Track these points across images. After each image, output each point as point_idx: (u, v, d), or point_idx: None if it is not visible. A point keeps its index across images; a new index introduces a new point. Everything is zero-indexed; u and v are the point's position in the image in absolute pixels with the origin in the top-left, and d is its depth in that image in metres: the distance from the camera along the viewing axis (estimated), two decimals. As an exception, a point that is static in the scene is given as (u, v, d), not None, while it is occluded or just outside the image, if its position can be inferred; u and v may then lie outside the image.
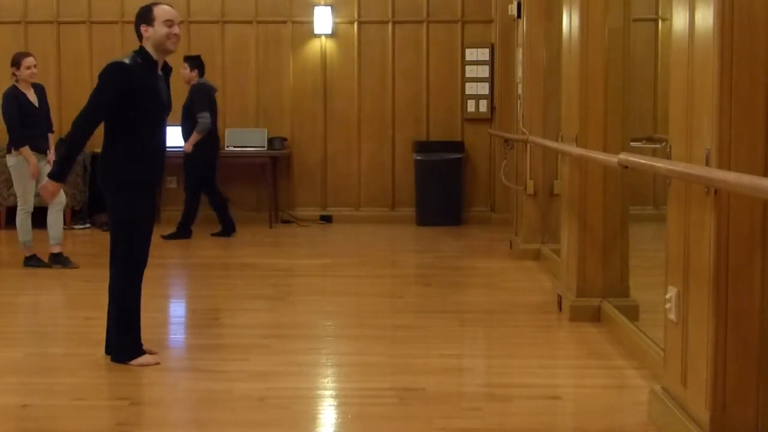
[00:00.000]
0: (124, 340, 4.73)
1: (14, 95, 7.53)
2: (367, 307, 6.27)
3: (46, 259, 7.64)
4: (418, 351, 5.02)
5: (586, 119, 5.51)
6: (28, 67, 7.56)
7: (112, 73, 4.63)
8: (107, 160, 4.70)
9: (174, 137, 10.08)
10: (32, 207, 7.60)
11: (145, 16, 4.70)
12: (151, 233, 4.83)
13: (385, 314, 6.06)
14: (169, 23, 4.68)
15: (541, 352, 5.08)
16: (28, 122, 7.51)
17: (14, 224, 7.72)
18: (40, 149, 7.56)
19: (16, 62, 7.59)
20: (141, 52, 4.70)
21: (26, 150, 7.44)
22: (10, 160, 7.58)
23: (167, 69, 4.82)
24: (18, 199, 7.66)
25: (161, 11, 4.70)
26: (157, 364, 4.71)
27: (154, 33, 4.66)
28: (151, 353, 4.80)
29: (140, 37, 4.72)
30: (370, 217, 10.45)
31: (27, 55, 7.69)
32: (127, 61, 4.67)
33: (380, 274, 7.58)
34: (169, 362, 4.84)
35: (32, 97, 7.62)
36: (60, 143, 7.39)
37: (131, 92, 4.60)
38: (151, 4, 4.78)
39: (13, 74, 7.60)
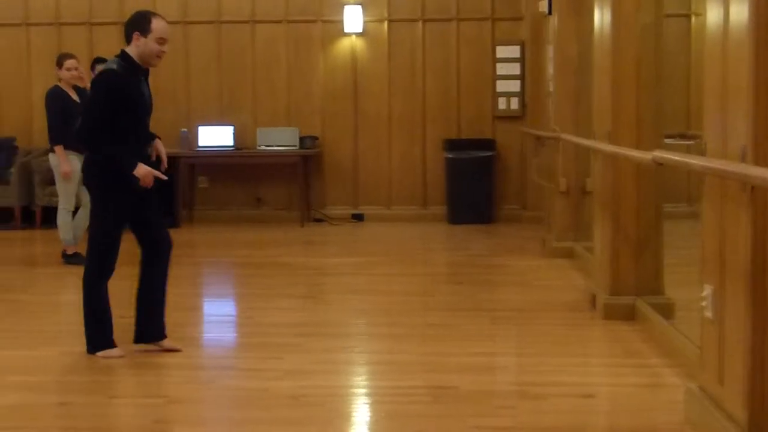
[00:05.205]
0: (93, 331, 4.81)
1: (57, 93, 7.64)
2: (398, 305, 6.27)
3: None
4: (450, 349, 5.02)
5: (619, 116, 5.47)
6: (69, 69, 7.65)
7: (109, 84, 4.67)
8: (96, 163, 4.73)
9: (216, 136, 10.19)
10: (73, 206, 7.67)
11: (141, 25, 4.69)
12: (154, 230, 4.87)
13: (416, 312, 6.06)
14: (162, 41, 4.70)
15: (574, 350, 5.05)
16: (72, 121, 7.57)
17: (50, 224, 7.79)
18: (80, 149, 7.63)
19: (58, 63, 7.72)
20: (125, 56, 4.73)
21: (60, 149, 7.50)
22: (53, 159, 7.65)
23: (146, 71, 4.84)
24: (59, 199, 7.72)
25: (159, 26, 4.69)
26: (121, 357, 4.76)
27: (144, 45, 4.68)
28: (175, 350, 4.87)
29: (129, 40, 4.73)
30: (401, 216, 10.45)
31: (69, 56, 7.78)
32: (116, 68, 4.69)
33: (412, 273, 7.57)
34: (204, 360, 4.88)
35: (75, 96, 7.68)
36: None
37: (124, 100, 4.67)
38: (149, 13, 4.79)
39: (58, 75, 7.72)
